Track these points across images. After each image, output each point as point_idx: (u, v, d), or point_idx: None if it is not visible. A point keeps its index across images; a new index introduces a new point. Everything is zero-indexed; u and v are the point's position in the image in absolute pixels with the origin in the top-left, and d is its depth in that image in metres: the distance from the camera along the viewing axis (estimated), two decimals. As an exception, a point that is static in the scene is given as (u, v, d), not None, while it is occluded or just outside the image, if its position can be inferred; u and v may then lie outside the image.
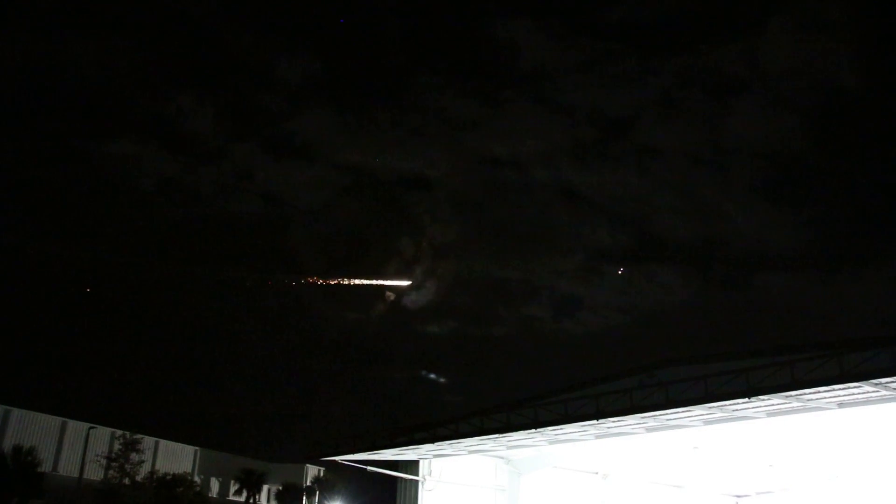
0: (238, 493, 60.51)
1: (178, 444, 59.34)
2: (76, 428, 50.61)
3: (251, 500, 60.10)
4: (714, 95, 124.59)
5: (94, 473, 47.76)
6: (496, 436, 28.51)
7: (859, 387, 21.05)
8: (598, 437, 29.60)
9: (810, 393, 21.99)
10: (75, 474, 47.62)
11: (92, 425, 50.22)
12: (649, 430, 27.96)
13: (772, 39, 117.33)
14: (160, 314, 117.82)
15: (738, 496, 43.03)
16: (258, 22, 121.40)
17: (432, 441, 29.47)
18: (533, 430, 27.49)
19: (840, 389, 21.67)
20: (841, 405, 23.56)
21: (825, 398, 22.86)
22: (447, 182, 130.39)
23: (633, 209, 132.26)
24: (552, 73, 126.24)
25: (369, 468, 33.17)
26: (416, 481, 32.94)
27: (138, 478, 46.66)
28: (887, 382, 20.60)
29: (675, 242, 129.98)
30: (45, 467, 45.52)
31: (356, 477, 44.21)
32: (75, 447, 49.46)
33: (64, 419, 50.95)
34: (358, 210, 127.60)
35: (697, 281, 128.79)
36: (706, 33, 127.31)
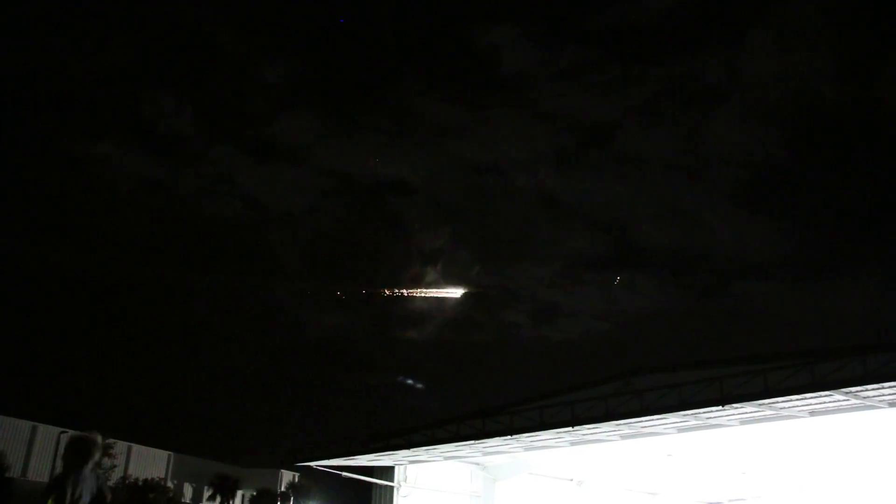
0: (212, 498, 59.86)
1: (151, 448, 58.56)
2: (46, 432, 49.79)
3: (225, 506, 59.50)
4: (695, 104, 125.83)
5: (65, 478, 47.06)
6: (472, 442, 28.49)
7: (830, 395, 21.31)
8: (573, 444, 29.69)
9: (782, 401, 22.22)
10: (45, 479, 46.91)
11: (63, 430, 49.46)
12: (624, 437, 28.09)
13: (752, 50, 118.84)
14: (135, 316, 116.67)
15: (710, 503, 43.32)
16: (240, 22, 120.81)
17: (408, 447, 29.39)
18: (508, 437, 27.51)
19: (812, 398, 21.92)
20: (812, 413, 23.83)
21: (797, 406, 23.12)
22: (428, 187, 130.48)
23: (613, 217, 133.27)
24: (535, 80, 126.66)
25: (344, 474, 33.00)
26: (392, 487, 32.85)
27: (110, 483, 46.07)
28: (857, 392, 20.88)
29: (654, 250, 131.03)
30: (14, 472, 44.76)
31: (331, 483, 43.98)
32: (45, 452, 48.69)
33: (34, 423, 50.09)
34: (339, 214, 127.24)
35: (676, 289, 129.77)
36: (688, 43, 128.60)
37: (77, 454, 7.46)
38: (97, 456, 7.56)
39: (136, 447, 56.58)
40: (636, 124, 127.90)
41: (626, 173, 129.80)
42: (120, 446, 51.78)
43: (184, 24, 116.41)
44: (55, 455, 47.15)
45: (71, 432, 49.50)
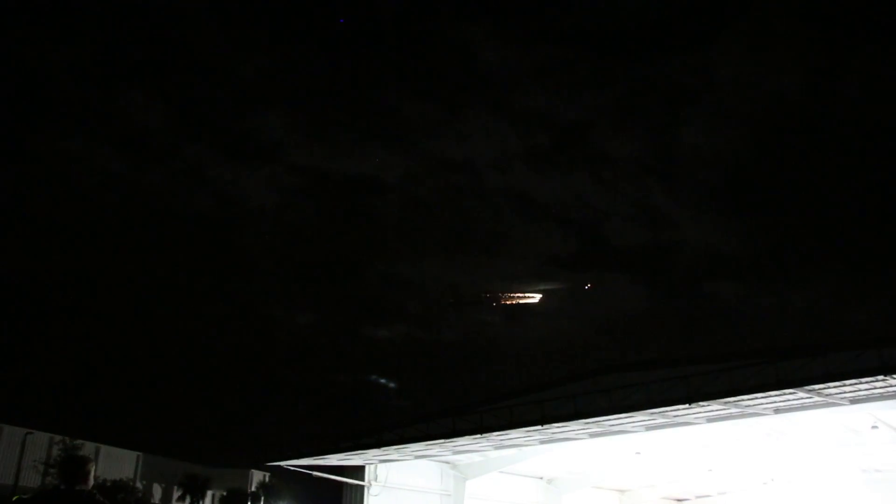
0: (181, 498, 59.31)
1: (119, 449, 57.77)
2: (12, 433, 48.93)
3: (194, 507, 58.97)
4: (667, 104, 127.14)
5: (31, 480, 46.34)
6: (442, 441, 28.55)
7: (794, 393, 21.70)
8: (542, 442, 29.89)
9: (748, 399, 22.57)
10: (11, 481, 46.14)
11: (29, 430, 48.69)
12: (593, 435, 28.33)
13: (724, 51, 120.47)
14: (102, 315, 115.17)
15: (678, 500, 43.87)
16: (213, 17, 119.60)
17: (378, 446, 29.37)
18: (478, 436, 27.61)
19: (776, 396, 22.31)
20: (777, 411, 24.24)
21: (762, 404, 23.49)
22: (401, 185, 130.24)
23: (585, 216, 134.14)
24: (508, 78, 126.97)
25: (315, 473, 32.88)
26: (362, 486, 32.80)
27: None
28: (820, 389, 21.28)
29: (625, 249, 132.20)
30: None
31: (302, 482, 43.76)
32: (11, 453, 47.86)
33: (-1, 424, 49.29)
34: (311, 212, 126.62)
35: (647, 288, 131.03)
36: (660, 44, 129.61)
37: (64, 473, 7.63)
38: (90, 477, 7.62)
39: (104, 448, 55.84)
40: (608, 124, 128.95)
41: (597, 172, 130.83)
42: (87, 447, 51.08)
43: (155, 18, 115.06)
44: (20, 457, 46.39)
45: (37, 433, 48.77)
